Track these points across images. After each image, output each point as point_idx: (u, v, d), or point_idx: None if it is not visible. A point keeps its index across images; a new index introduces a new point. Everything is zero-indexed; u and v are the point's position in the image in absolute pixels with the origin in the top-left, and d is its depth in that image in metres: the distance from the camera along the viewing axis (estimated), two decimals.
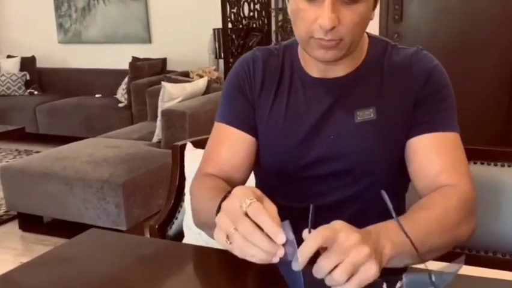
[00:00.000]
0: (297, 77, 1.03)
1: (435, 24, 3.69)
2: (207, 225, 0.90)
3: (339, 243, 0.68)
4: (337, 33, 0.86)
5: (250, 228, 0.69)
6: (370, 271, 0.68)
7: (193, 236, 1.43)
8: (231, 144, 1.04)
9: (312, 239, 0.67)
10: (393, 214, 0.70)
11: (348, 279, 0.67)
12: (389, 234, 0.76)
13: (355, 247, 0.68)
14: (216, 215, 0.76)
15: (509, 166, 1.21)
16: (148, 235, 1.51)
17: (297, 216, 0.71)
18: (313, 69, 1.01)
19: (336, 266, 0.67)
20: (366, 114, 0.97)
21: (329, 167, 1.00)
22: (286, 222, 0.70)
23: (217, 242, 0.75)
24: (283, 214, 0.72)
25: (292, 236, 0.69)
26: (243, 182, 1.06)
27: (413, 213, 0.86)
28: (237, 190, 0.74)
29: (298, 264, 0.67)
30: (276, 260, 0.69)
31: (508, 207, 1.20)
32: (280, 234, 0.67)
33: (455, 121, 0.98)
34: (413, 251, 0.73)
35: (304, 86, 1.02)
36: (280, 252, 0.68)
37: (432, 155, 0.95)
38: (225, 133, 1.05)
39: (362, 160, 0.99)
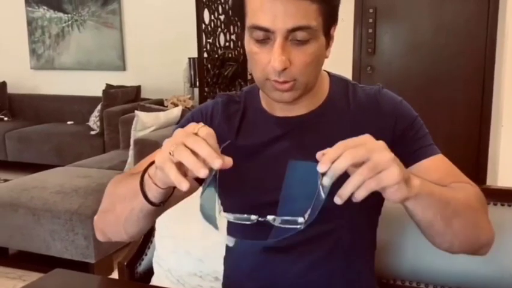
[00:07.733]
0: (260, 118, 1.01)
1: (406, 57, 3.78)
2: (126, 200, 0.87)
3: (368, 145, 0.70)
4: (289, 74, 0.86)
5: (198, 139, 0.71)
6: (393, 175, 0.69)
7: (163, 273, 1.39)
8: None
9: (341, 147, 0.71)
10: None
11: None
12: (420, 175, 0.78)
13: (379, 150, 0.70)
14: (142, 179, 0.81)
15: None
16: (117, 269, 1.46)
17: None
18: (276, 108, 1.00)
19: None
20: None
21: None
22: None
23: (156, 162, 0.74)
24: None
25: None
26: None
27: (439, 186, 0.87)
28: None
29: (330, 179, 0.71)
30: (204, 172, 0.68)
31: None
32: (219, 159, 0.69)
33: (434, 145, 0.99)
34: (440, 204, 0.78)
35: (268, 126, 1.00)
36: (218, 163, 0.69)
37: (431, 178, 0.91)
38: None
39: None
